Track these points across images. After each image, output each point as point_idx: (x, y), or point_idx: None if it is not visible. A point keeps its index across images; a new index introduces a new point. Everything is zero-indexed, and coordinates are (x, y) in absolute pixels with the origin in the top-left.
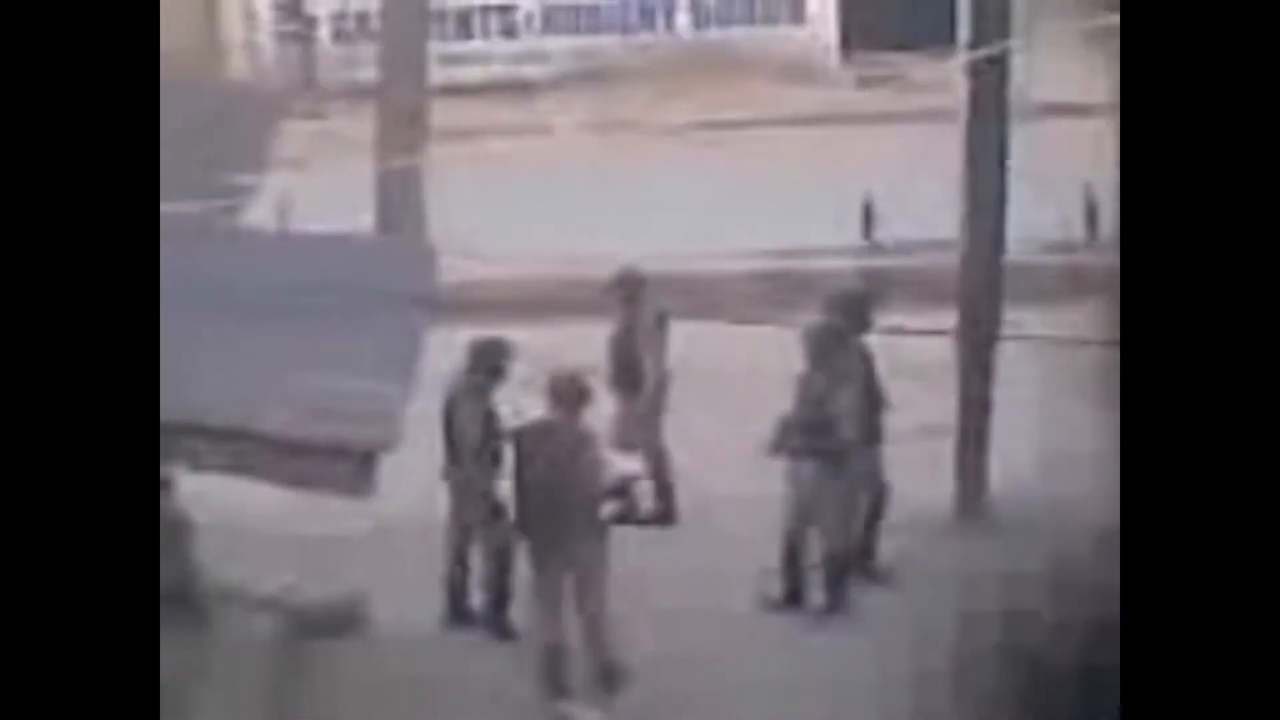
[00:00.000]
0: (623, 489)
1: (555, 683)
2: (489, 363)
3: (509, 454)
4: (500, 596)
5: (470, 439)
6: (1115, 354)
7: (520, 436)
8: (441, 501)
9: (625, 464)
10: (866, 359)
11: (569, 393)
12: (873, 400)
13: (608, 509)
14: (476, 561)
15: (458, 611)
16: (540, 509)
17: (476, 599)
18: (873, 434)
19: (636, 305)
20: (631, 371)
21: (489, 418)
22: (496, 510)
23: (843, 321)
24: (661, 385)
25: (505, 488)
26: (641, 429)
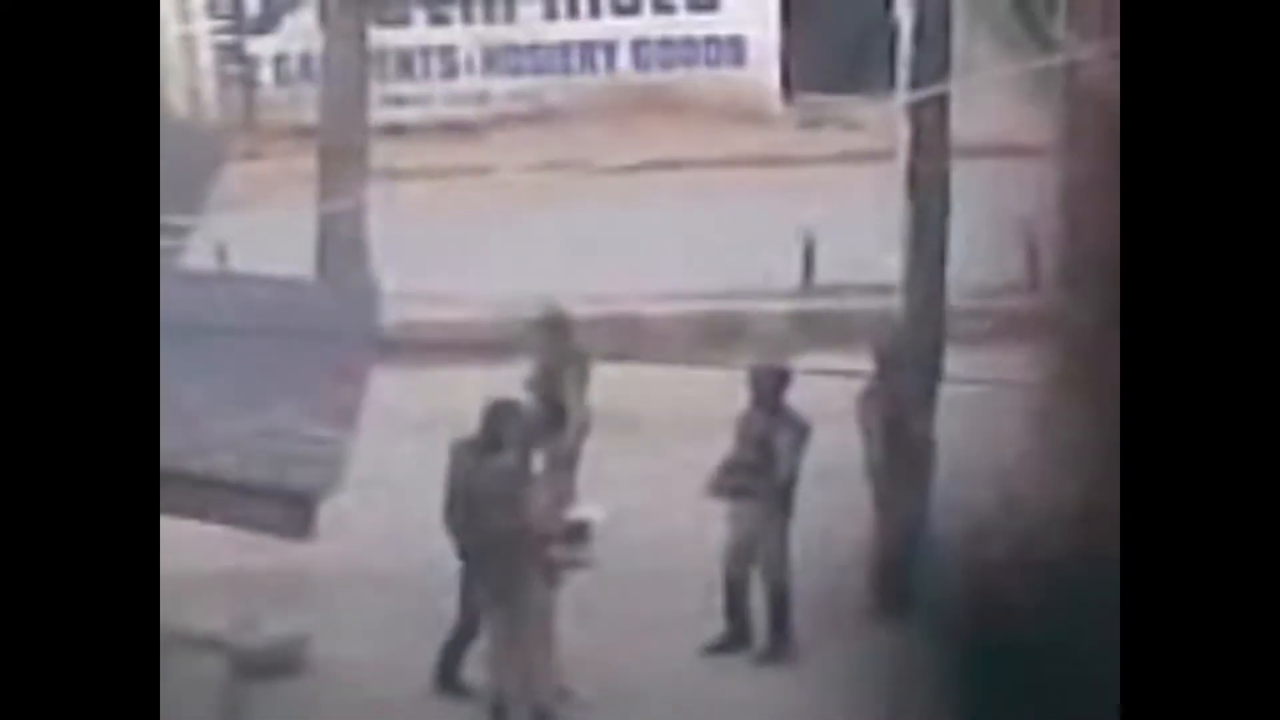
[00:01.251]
0: (579, 533)
1: None
2: (496, 426)
3: (448, 490)
4: (455, 651)
5: (458, 493)
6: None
7: (457, 469)
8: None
9: (584, 508)
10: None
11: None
12: (918, 447)
13: (563, 553)
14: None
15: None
16: (491, 553)
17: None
18: (919, 479)
19: (560, 347)
20: (553, 414)
21: (480, 473)
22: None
23: (892, 372)
24: (583, 428)
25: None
26: (562, 471)
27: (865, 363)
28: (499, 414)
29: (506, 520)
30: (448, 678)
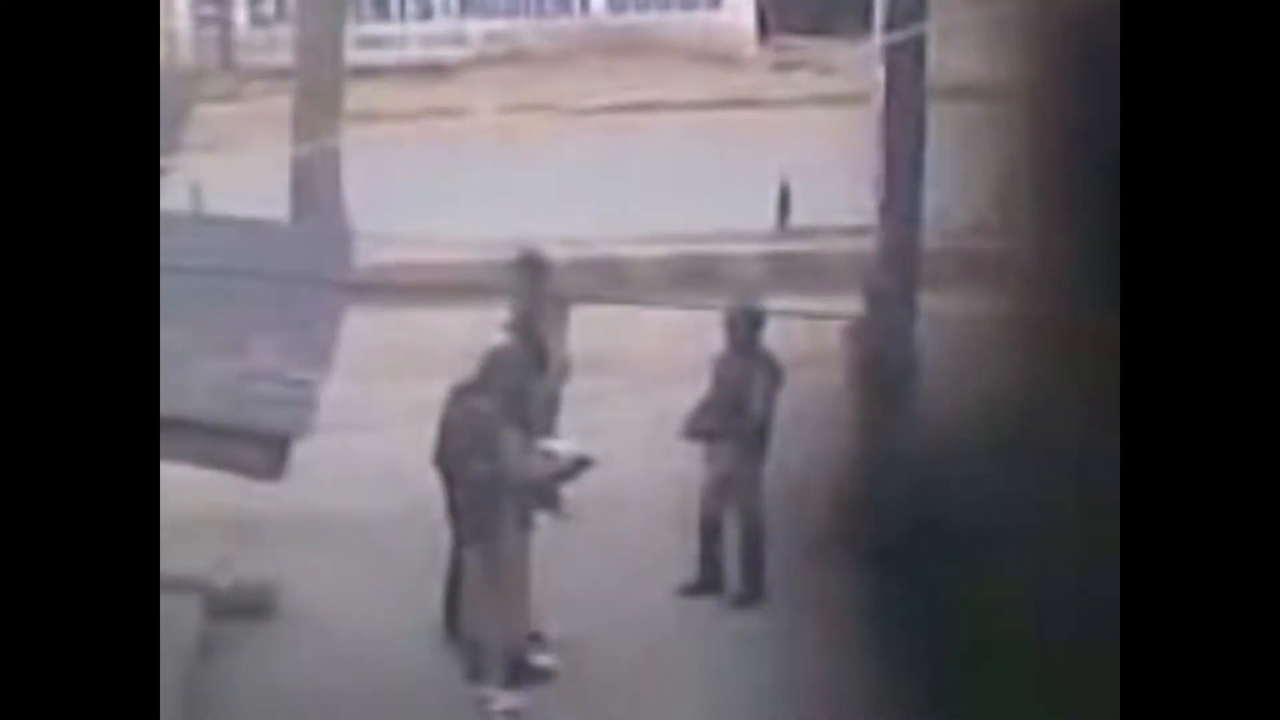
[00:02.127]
0: (573, 471)
1: (475, 667)
2: (491, 371)
3: (438, 434)
4: (454, 594)
5: (452, 444)
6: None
7: (446, 420)
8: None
9: (570, 447)
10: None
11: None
12: (898, 382)
13: (552, 492)
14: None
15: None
16: (468, 496)
17: None
18: (898, 415)
19: (538, 289)
20: (533, 356)
21: (460, 416)
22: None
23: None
24: (564, 370)
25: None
26: (542, 414)
27: (840, 305)
28: (496, 359)
29: (484, 463)
30: (456, 621)
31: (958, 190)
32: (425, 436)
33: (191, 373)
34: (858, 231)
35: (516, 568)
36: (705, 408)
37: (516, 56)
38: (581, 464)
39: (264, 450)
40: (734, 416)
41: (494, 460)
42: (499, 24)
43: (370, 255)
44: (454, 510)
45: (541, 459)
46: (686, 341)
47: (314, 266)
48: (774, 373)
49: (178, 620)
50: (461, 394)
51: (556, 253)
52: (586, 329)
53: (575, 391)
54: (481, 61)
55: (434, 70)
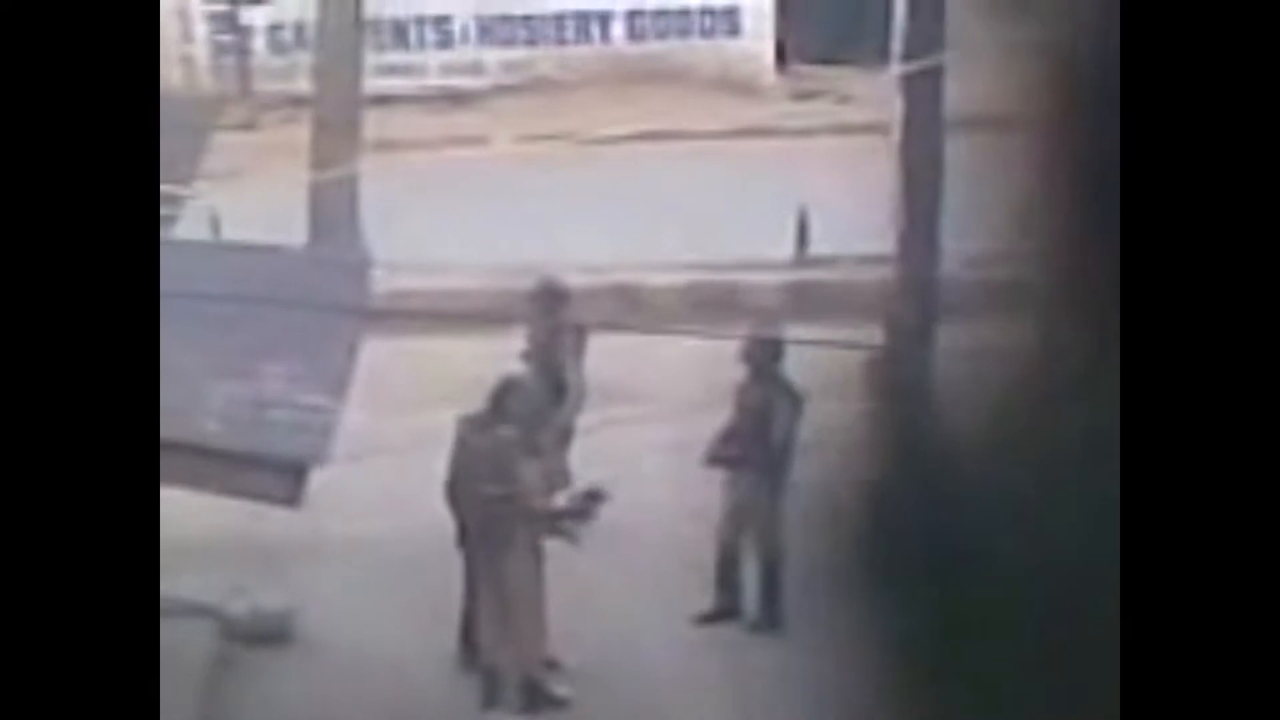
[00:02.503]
0: (587, 507)
1: (491, 694)
2: (503, 402)
3: (450, 463)
4: (469, 621)
5: (459, 467)
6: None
7: (460, 444)
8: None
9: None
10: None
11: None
12: (918, 414)
13: (568, 524)
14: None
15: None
16: (483, 525)
17: None
18: (919, 446)
19: (556, 317)
20: (550, 385)
21: (476, 446)
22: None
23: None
24: (579, 399)
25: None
26: (557, 443)
27: (859, 333)
28: (507, 390)
29: (499, 493)
30: (472, 648)
31: (976, 218)
32: (440, 464)
33: (208, 399)
34: (876, 260)
35: (530, 595)
36: (728, 435)
37: (535, 85)
38: (594, 498)
39: (281, 477)
40: (755, 444)
41: (510, 488)
42: (518, 53)
43: (387, 283)
44: (467, 538)
45: (561, 496)
46: (704, 370)
47: (330, 293)
48: (795, 401)
49: (192, 646)
50: (472, 423)
51: (574, 280)
52: (603, 357)
53: (591, 420)
54: (500, 90)
55: (452, 99)
